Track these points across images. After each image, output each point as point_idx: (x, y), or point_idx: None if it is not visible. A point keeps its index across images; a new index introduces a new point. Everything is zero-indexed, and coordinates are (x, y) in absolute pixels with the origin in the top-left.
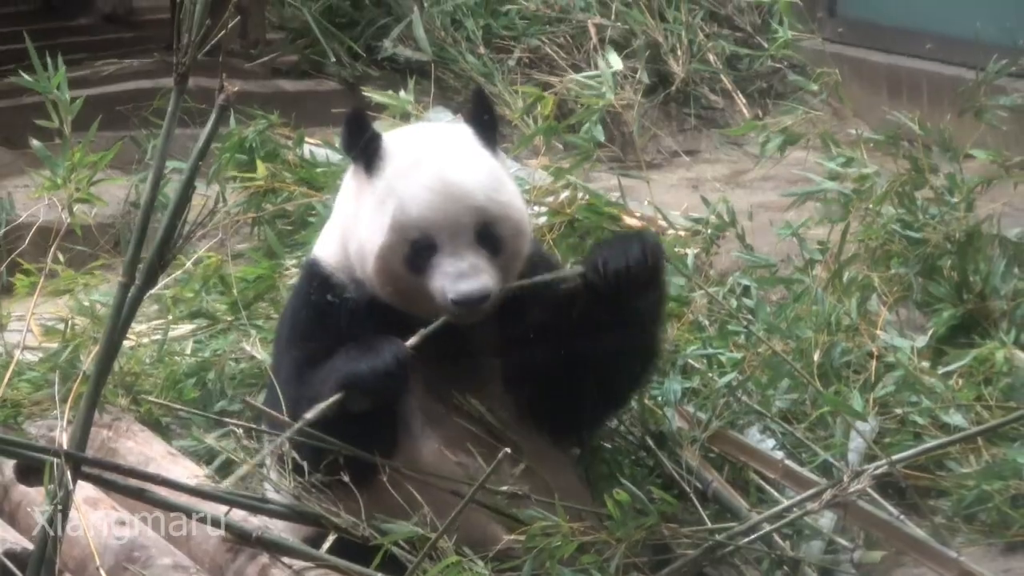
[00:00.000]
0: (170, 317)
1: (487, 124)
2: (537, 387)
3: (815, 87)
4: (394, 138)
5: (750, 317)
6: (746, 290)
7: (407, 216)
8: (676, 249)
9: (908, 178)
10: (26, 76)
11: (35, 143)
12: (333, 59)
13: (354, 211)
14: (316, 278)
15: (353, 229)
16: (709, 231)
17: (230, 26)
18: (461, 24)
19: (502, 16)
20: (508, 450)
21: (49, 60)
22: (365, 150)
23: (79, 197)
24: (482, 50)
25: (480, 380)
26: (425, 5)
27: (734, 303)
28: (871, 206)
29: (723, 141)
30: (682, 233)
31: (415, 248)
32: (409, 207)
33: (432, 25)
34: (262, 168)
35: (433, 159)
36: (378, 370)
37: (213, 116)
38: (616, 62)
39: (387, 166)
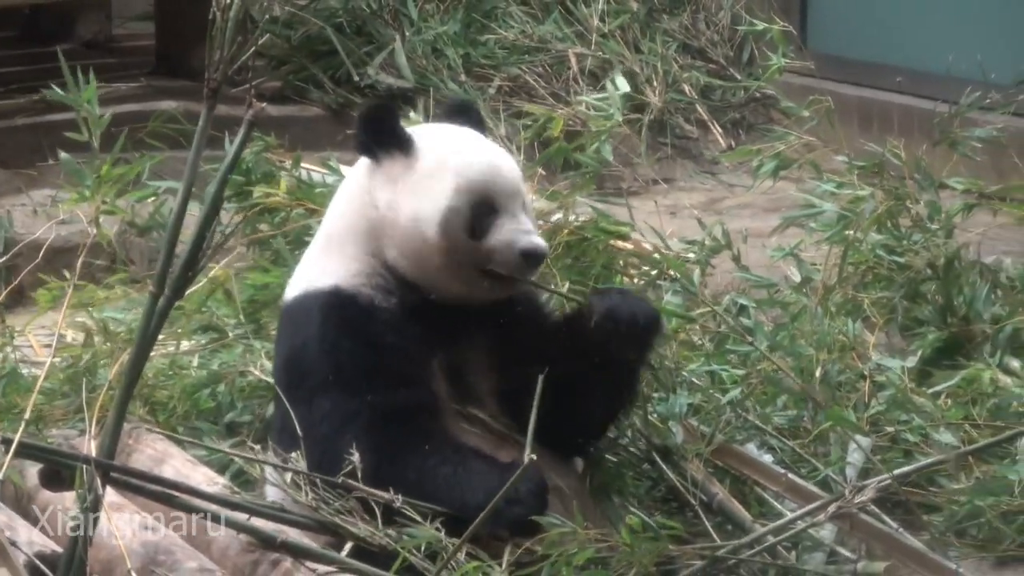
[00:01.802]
0: (179, 330)
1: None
2: (526, 405)
3: (806, 113)
4: (416, 130)
5: (750, 336)
6: (741, 309)
7: (469, 180)
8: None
9: (891, 204)
10: (57, 89)
11: (64, 156)
12: (317, 85)
13: (386, 202)
14: (340, 304)
15: (390, 218)
16: (704, 253)
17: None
18: (442, 53)
19: (481, 46)
20: (534, 457)
21: (81, 76)
22: (400, 137)
23: (105, 209)
24: (463, 78)
25: (477, 396)
26: (407, 34)
27: (730, 322)
28: (862, 230)
29: (697, 170)
30: (686, 254)
31: (476, 212)
32: (470, 173)
33: (414, 53)
34: (284, 185)
35: (472, 139)
36: (522, 514)
37: (242, 130)
38: (624, 85)
39: (429, 146)
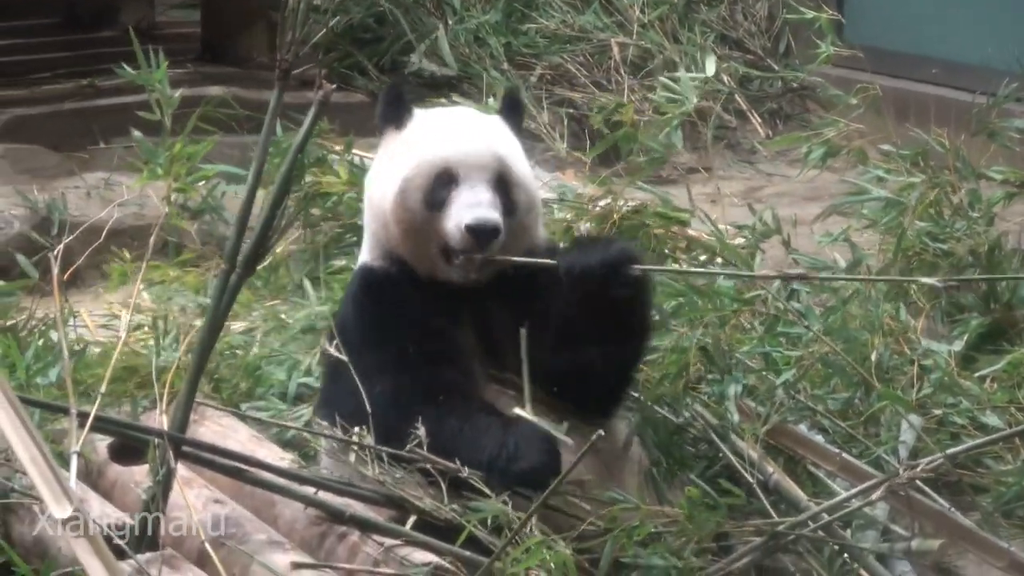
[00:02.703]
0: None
1: (515, 120)
2: (548, 368)
3: (854, 101)
4: (421, 110)
5: (803, 319)
6: (791, 293)
7: (432, 151)
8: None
9: (937, 192)
10: (128, 69)
11: (137, 134)
12: (362, 73)
13: (384, 170)
14: (365, 278)
15: (380, 183)
16: (755, 238)
17: None
18: (484, 41)
19: (522, 35)
20: (602, 432)
21: (153, 56)
22: (398, 110)
23: (178, 187)
24: (506, 66)
25: (498, 365)
26: (450, 23)
27: (783, 305)
28: (914, 216)
29: (736, 159)
30: (735, 239)
31: (436, 182)
32: (434, 142)
33: (456, 41)
34: (343, 170)
35: (461, 114)
36: (539, 472)
37: (312, 110)
38: (711, 67)
39: (417, 120)
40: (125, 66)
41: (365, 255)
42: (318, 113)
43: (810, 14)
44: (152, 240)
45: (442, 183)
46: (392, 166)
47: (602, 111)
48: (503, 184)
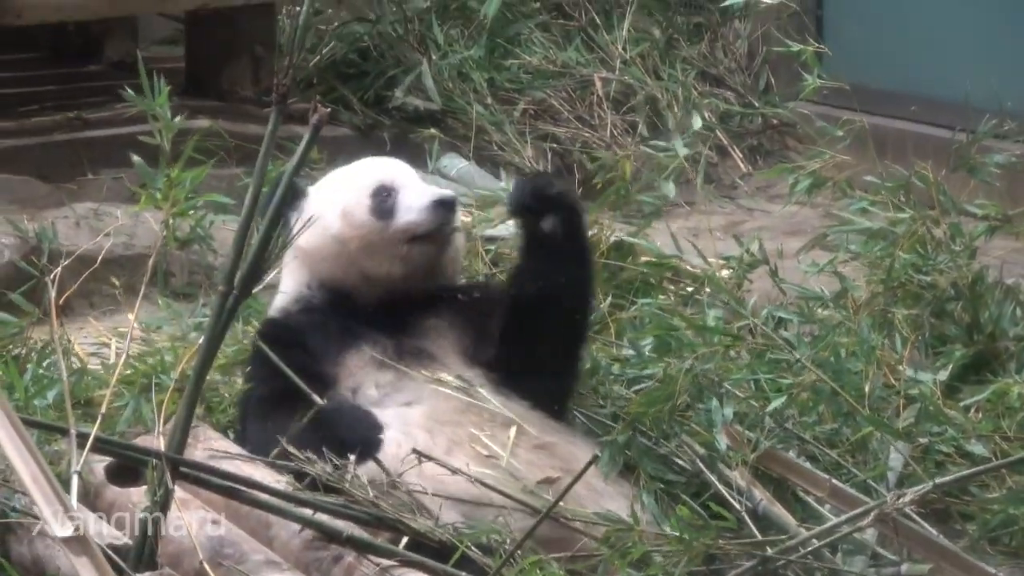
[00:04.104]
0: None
1: None
2: (497, 352)
3: (840, 133)
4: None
5: (792, 347)
6: (779, 323)
7: (362, 178)
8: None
9: (922, 225)
10: (132, 93)
11: (137, 159)
12: (346, 106)
13: (304, 240)
14: (271, 323)
15: (306, 237)
16: (741, 269)
17: None
18: (468, 76)
19: (505, 70)
20: (597, 454)
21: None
22: (294, 197)
23: (176, 211)
24: (489, 100)
25: (435, 358)
26: (433, 58)
27: (772, 335)
28: (902, 248)
29: (717, 194)
30: (724, 273)
31: (376, 197)
32: (360, 174)
33: (440, 76)
34: None
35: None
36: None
37: (308, 135)
38: (697, 122)
39: (316, 189)
40: (129, 90)
41: (274, 309)
42: (313, 136)
43: (796, 46)
44: (152, 262)
45: (382, 196)
46: (315, 224)
47: (601, 167)
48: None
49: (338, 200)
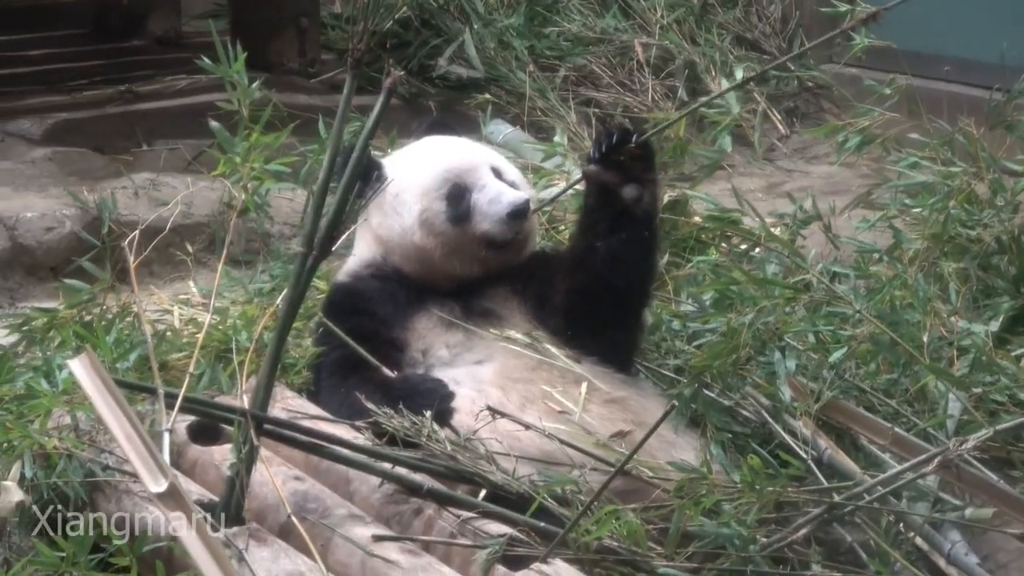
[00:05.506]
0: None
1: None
2: (563, 316)
3: (888, 91)
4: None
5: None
6: (833, 277)
7: (432, 177)
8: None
9: (970, 179)
10: (208, 61)
11: (215, 124)
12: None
13: (377, 224)
14: (340, 288)
15: (385, 236)
16: (795, 225)
17: None
18: (509, 44)
19: (544, 38)
20: (674, 403)
21: (231, 47)
22: (368, 173)
23: (255, 175)
24: (531, 68)
25: (500, 319)
26: (475, 27)
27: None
28: (956, 200)
29: (755, 156)
30: (777, 229)
31: (451, 198)
32: (429, 170)
33: (482, 45)
34: None
35: (423, 148)
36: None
37: (382, 97)
38: (739, 73)
39: (393, 170)
40: (205, 59)
41: (343, 273)
42: (387, 100)
43: (844, 7)
44: (233, 223)
45: (456, 199)
46: (392, 216)
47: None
48: (498, 173)
49: (414, 197)
